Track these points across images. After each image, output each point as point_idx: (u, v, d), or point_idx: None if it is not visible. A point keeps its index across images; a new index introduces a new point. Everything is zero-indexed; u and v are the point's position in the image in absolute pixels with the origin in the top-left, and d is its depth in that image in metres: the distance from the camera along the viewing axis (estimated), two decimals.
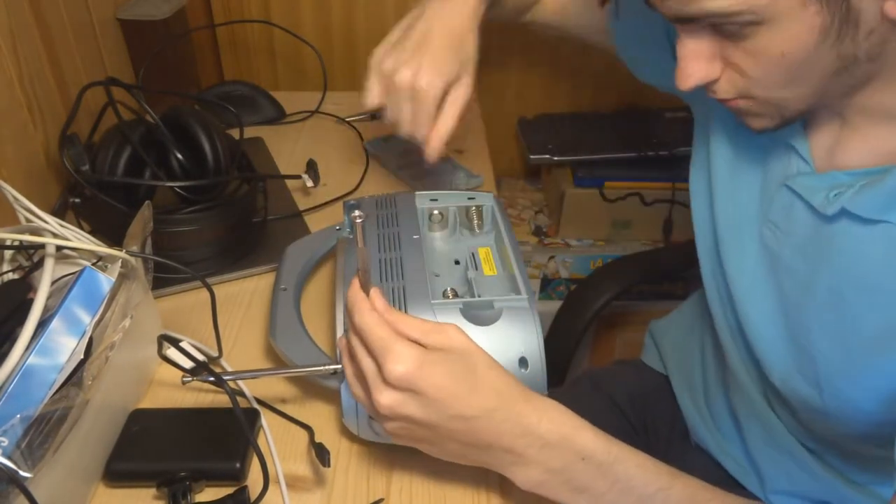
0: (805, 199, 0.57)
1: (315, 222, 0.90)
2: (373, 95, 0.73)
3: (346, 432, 0.63)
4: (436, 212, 0.73)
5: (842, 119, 0.57)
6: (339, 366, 0.58)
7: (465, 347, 0.52)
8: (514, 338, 0.57)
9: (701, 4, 0.48)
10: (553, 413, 0.52)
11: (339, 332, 0.60)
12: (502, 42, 1.33)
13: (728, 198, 0.66)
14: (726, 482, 0.76)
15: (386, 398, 0.50)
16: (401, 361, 0.49)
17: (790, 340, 0.60)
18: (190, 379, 0.58)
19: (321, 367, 0.59)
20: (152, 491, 0.57)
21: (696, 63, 0.53)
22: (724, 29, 0.50)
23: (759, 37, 0.48)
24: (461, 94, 0.72)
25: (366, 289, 0.54)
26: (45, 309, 0.53)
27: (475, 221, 0.73)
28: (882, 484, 0.66)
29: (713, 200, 0.68)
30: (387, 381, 0.49)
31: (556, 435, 0.51)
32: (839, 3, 0.45)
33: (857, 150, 0.56)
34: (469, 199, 0.74)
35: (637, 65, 0.83)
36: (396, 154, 1.04)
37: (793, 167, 0.59)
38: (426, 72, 0.69)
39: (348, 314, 0.53)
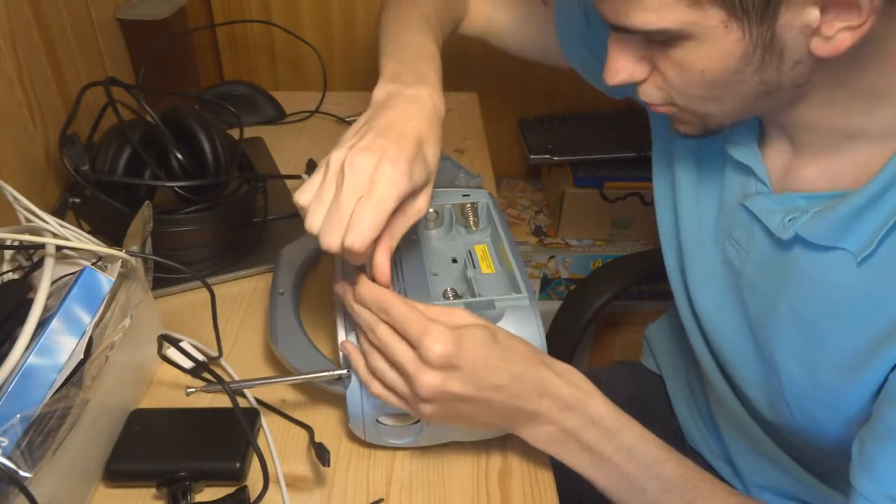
0: (762, 222, 0.57)
1: None
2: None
3: (346, 432, 0.63)
4: (431, 210, 0.73)
5: (790, 140, 0.57)
6: (345, 371, 0.58)
7: (478, 322, 0.53)
8: None
9: (627, 20, 0.48)
10: (570, 376, 0.55)
11: (341, 335, 0.60)
12: None
13: (692, 214, 0.66)
14: None
15: (430, 378, 0.51)
16: (439, 340, 0.50)
17: (758, 356, 0.61)
18: (193, 390, 0.58)
19: (327, 374, 0.59)
20: (152, 491, 0.57)
21: (624, 61, 0.53)
22: (653, 37, 0.50)
23: (684, 50, 0.49)
24: (422, 207, 0.56)
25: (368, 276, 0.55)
26: (45, 309, 0.52)
27: (471, 219, 0.73)
28: None
29: (678, 216, 0.68)
30: (428, 363, 0.50)
31: (574, 398, 0.54)
32: (762, 33, 0.45)
33: (809, 173, 0.56)
34: (464, 196, 0.74)
35: (588, 71, 0.83)
36: None
37: (751, 187, 0.59)
38: (390, 164, 0.52)
39: (375, 309, 0.54)
